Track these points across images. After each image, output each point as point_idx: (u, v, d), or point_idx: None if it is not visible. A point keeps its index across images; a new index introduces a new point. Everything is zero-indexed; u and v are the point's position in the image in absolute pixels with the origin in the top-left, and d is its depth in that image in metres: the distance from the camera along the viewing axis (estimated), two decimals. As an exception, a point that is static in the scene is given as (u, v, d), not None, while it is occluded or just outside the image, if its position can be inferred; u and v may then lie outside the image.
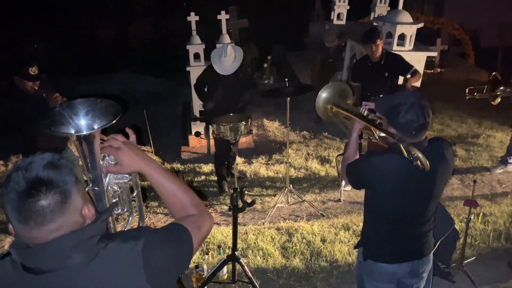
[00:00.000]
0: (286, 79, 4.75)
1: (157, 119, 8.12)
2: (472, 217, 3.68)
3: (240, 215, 4.95)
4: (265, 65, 11.35)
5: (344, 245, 4.15)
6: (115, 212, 1.68)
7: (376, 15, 8.60)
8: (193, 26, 7.12)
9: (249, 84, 5.50)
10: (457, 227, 3.68)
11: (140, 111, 6.85)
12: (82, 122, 1.51)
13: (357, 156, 2.55)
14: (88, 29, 16.70)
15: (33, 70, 4.15)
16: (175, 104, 9.49)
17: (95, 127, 1.48)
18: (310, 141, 7.27)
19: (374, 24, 7.45)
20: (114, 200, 1.66)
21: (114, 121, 1.47)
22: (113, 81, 11.82)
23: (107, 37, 16.40)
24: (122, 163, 1.45)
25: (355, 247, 2.64)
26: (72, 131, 1.48)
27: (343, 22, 8.73)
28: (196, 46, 7.13)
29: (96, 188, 1.60)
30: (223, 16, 7.16)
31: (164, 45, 13.93)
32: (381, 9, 8.63)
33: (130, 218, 1.77)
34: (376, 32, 5.07)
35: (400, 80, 5.38)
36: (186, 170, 6.37)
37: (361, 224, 4.48)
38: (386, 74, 5.09)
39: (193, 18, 7.06)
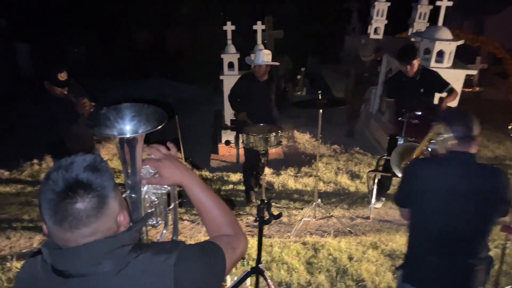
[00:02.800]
0: (319, 91, 4.69)
1: (189, 125, 8.17)
2: (508, 244, 3.51)
3: (266, 227, 4.88)
4: (299, 76, 11.34)
5: (372, 265, 4.03)
6: (149, 223, 1.66)
7: (414, 31, 8.45)
8: (229, 35, 7.16)
9: (281, 95, 5.47)
10: (492, 253, 3.52)
11: (172, 117, 6.92)
12: (127, 127, 1.49)
13: None
14: (126, 35, 17.07)
15: (62, 76, 4.24)
16: (207, 111, 9.55)
17: (140, 131, 1.46)
18: (341, 155, 7.16)
19: (412, 39, 7.32)
20: (149, 210, 1.64)
21: (158, 127, 1.44)
22: (147, 87, 12.04)
23: (144, 43, 16.74)
24: (163, 175, 1.44)
25: (397, 268, 2.58)
26: (116, 133, 1.47)
27: (380, 36, 8.62)
28: (230, 55, 7.16)
29: (133, 195, 1.57)
30: (259, 27, 7.18)
31: (199, 53, 14.09)
32: (419, 24, 8.48)
33: (164, 231, 1.74)
34: (412, 52, 4.94)
35: (437, 97, 5.24)
36: (214, 178, 6.37)
37: (390, 243, 4.38)
38: (422, 90, 4.96)
39: (229, 27, 7.11)
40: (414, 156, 2.76)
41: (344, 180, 6.14)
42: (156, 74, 12.83)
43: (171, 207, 1.74)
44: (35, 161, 6.77)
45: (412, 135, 4.60)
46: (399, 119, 4.78)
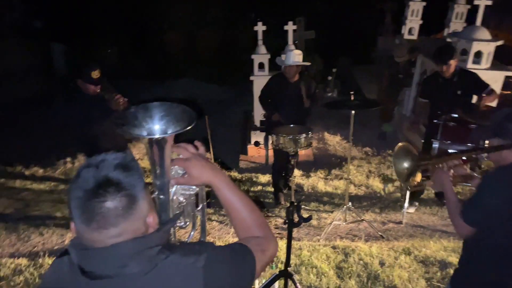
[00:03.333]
0: (352, 92, 4.59)
1: (218, 126, 8.16)
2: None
3: (295, 230, 4.81)
4: (330, 77, 11.18)
5: (404, 271, 3.89)
6: (177, 224, 1.62)
7: (450, 31, 8.20)
8: (260, 36, 7.12)
9: (311, 95, 5.39)
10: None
11: (201, 117, 6.93)
12: (156, 126, 1.46)
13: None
14: (158, 36, 17.27)
15: (95, 74, 4.28)
16: (236, 112, 9.53)
17: (169, 132, 1.43)
18: (373, 158, 7.01)
19: (448, 40, 7.10)
20: (178, 211, 1.60)
21: (188, 128, 1.40)
22: (177, 87, 12.11)
23: (175, 44, 16.87)
24: (191, 175, 1.41)
25: (449, 283, 2.37)
26: (145, 133, 1.43)
27: (415, 37, 8.41)
28: (261, 56, 7.12)
29: (161, 196, 1.54)
30: (290, 27, 7.11)
31: (230, 54, 14.11)
32: (456, 24, 8.22)
33: (192, 232, 1.70)
34: (449, 52, 4.77)
35: (475, 100, 5.05)
36: (243, 179, 6.33)
37: (424, 249, 4.23)
38: (459, 92, 4.79)
39: (260, 28, 7.07)
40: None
41: (376, 184, 6.00)
42: (187, 75, 12.90)
43: (199, 208, 1.71)
44: (68, 159, 6.90)
45: (449, 138, 4.43)
46: (434, 121, 4.62)
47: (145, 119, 1.49)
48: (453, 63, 4.68)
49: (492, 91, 4.68)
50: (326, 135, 8.16)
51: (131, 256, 1.11)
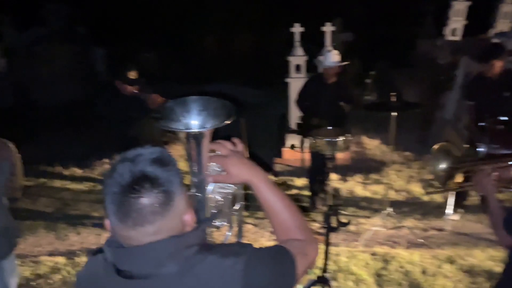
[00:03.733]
0: (392, 93, 4.44)
1: (253, 129, 8.11)
2: None
3: (332, 235, 4.68)
4: (368, 80, 10.96)
5: (448, 281, 3.70)
6: (213, 224, 1.56)
7: (497, 31, 7.86)
8: (297, 38, 7.02)
9: (349, 98, 5.26)
10: None
11: (237, 121, 6.92)
12: (194, 121, 1.42)
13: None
14: (194, 39, 17.47)
15: (132, 75, 4.35)
16: (272, 115, 9.45)
17: (207, 126, 1.39)
18: (413, 163, 6.77)
19: (495, 40, 6.80)
20: (215, 211, 1.54)
21: (227, 122, 1.36)
22: (213, 90, 12.15)
23: (211, 48, 17.01)
24: (230, 172, 1.35)
25: None
26: (182, 128, 1.39)
27: (458, 38, 8.10)
28: (298, 57, 7.02)
29: (198, 194, 1.49)
30: (328, 28, 6.99)
31: (266, 57, 14.07)
32: (503, 24, 7.88)
33: (228, 233, 1.63)
34: (494, 52, 4.56)
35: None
36: (278, 182, 6.24)
37: (469, 258, 4.02)
38: (507, 94, 4.55)
39: (297, 29, 6.97)
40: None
41: (417, 189, 5.78)
42: (224, 78, 12.94)
43: (236, 207, 1.64)
44: (106, 160, 7.00)
45: (496, 142, 4.21)
46: (480, 124, 4.41)
47: (183, 114, 1.44)
48: (497, 63, 4.46)
49: None
50: (364, 138, 7.97)
51: (168, 255, 1.06)
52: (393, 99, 4.37)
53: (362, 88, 10.69)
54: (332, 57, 4.96)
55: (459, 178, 4.55)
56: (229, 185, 1.56)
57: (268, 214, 1.35)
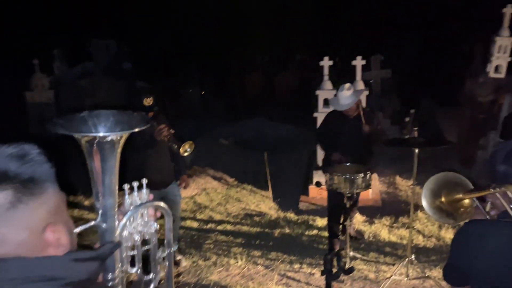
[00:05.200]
0: (416, 128, 4.09)
1: (282, 164, 7.88)
2: None
3: (347, 282, 4.26)
4: (407, 119, 10.46)
5: None
6: (125, 268, 1.27)
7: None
8: (325, 71, 6.80)
9: (374, 132, 4.89)
10: None
11: (267, 155, 6.79)
12: (100, 128, 1.23)
13: None
14: (233, 77, 17.68)
15: (148, 101, 4.22)
16: (301, 151, 9.17)
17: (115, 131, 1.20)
18: (449, 207, 6.23)
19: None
20: (115, 243, 1.26)
21: (136, 130, 1.21)
22: (250, 126, 12.01)
23: (252, 85, 17.07)
24: None
25: None
26: (85, 131, 1.18)
27: (502, 75, 7.57)
28: (326, 91, 6.77)
29: (103, 224, 1.25)
30: (358, 62, 6.73)
31: (300, 91, 13.90)
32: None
33: (152, 285, 1.33)
34: None
35: None
36: (299, 221, 5.89)
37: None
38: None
39: (326, 62, 6.76)
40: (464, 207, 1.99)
41: (449, 236, 5.24)
42: (261, 114, 12.81)
43: (163, 254, 1.36)
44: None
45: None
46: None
47: (96, 126, 1.24)
48: None
49: None
50: (398, 179, 7.49)
51: (9, 282, 0.78)
52: (416, 133, 4.01)
53: (401, 126, 10.21)
54: (343, 100, 4.63)
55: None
56: (153, 222, 1.32)
57: None
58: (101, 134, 1.18)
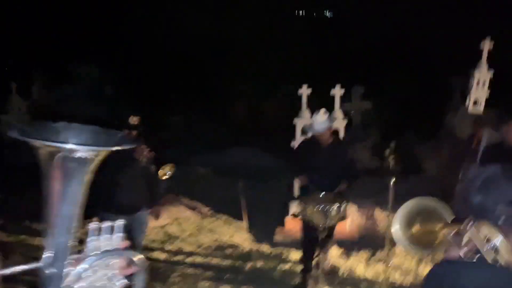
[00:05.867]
0: (392, 156, 3.96)
1: (260, 194, 7.67)
2: None
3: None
4: (387, 151, 10.39)
5: None
6: None
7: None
8: (304, 100, 6.68)
9: (348, 163, 4.74)
10: None
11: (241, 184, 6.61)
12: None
13: None
14: (220, 105, 17.57)
15: (134, 120, 4.09)
16: (280, 180, 8.96)
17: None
18: (428, 242, 6.04)
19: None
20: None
21: (114, 148, 1.03)
22: (233, 154, 11.77)
23: (238, 114, 16.93)
24: None
25: None
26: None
27: (481, 109, 7.56)
28: (305, 120, 6.62)
29: (49, 270, 0.99)
30: (337, 91, 6.62)
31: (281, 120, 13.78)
32: (530, 96, 7.32)
33: None
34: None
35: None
36: (272, 254, 5.64)
37: None
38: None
39: (304, 91, 6.65)
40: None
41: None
42: (242, 142, 12.60)
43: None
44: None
45: None
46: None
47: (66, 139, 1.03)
48: None
49: None
50: (377, 212, 7.28)
51: None
52: (389, 163, 3.87)
53: (381, 159, 10.13)
54: (318, 124, 4.52)
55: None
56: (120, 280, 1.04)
57: None
58: (68, 146, 0.94)
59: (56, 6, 17.42)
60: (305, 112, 6.67)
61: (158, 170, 4.05)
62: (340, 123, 6.50)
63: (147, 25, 18.02)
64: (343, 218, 4.12)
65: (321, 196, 4.26)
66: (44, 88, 15.25)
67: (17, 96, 13.30)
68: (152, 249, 5.73)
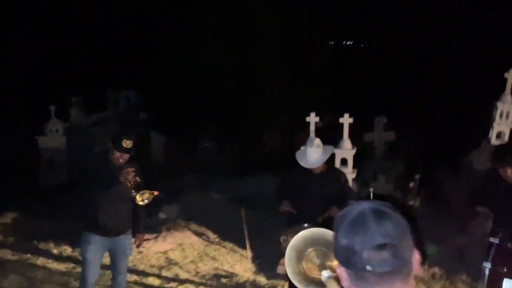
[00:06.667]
0: (371, 190, 3.75)
1: (266, 224, 7.51)
2: None
3: None
4: (411, 184, 9.97)
5: None
6: None
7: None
8: (312, 128, 6.55)
9: (343, 195, 4.52)
10: None
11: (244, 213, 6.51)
12: None
13: None
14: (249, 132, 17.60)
15: (127, 144, 4.00)
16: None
17: None
18: (436, 282, 5.66)
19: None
20: None
21: None
22: (252, 182, 11.69)
23: (265, 141, 16.89)
24: None
25: None
26: None
27: (504, 142, 7.14)
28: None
29: None
30: (346, 120, 6.44)
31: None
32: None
33: None
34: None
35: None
36: (267, 285, 5.45)
37: None
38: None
39: (312, 119, 6.52)
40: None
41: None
42: (259, 171, 12.49)
43: None
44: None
45: (504, 264, 3.27)
46: (490, 239, 3.52)
47: None
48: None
49: None
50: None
51: None
52: (372, 196, 3.67)
53: (405, 193, 9.71)
54: (309, 156, 4.33)
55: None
56: None
57: None
58: None
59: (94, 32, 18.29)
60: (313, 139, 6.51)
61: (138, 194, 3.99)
62: (347, 154, 6.29)
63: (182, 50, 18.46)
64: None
65: (305, 226, 4.06)
66: (82, 112, 15.83)
67: (55, 119, 13.85)
68: (148, 274, 5.68)
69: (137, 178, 4.08)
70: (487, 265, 3.44)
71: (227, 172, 13.78)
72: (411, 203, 9.75)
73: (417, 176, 9.97)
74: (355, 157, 6.64)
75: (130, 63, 19.08)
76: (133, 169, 4.06)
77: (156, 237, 6.88)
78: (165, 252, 6.46)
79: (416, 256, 1.19)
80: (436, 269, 6.07)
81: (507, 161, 3.70)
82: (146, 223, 7.07)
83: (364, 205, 1.20)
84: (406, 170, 10.02)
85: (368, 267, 1.13)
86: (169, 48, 19.55)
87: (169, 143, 16.39)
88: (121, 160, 4.03)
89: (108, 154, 4.05)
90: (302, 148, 4.70)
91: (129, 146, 4.02)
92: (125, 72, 18.61)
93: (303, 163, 4.39)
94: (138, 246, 4.56)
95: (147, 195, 3.94)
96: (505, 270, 3.29)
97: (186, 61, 19.37)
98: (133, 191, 3.94)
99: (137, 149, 4.05)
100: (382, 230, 1.13)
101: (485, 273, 3.45)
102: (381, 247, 1.12)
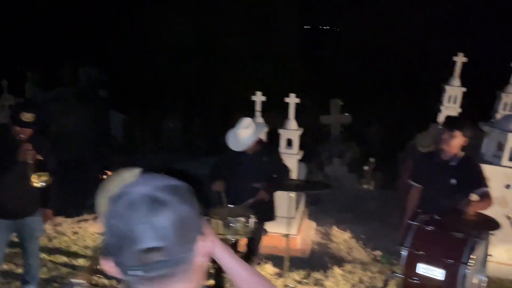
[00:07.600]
0: (287, 171, 3.63)
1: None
2: None
3: None
4: (366, 167, 9.99)
5: None
6: None
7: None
8: (257, 107, 6.34)
9: (279, 172, 4.39)
10: None
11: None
12: None
13: None
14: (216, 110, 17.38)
15: (26, 117, 3.64)
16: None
17: None
18: (376, 265, 5.63)
19: (483, 129, 5.87)
20: None
21: None
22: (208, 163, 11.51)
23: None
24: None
25: None
26: None
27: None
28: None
29: None
30: (291, 100, 6.24)
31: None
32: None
33: None
34: (460, 122, 3.82)
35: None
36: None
37: None
38: (453, 181, 3.63)
39: (258, 98, 6.32)
40: None
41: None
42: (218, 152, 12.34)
43: None
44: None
45: (421, 247, 3.20)
46: (409, 221, 3.45)
47: None
48: (458, 137, 3.61)
49: (485, 195, 3.46)
50: (334, 230, 6.88)
51: None
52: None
53: (359, 175, 9.72)
54: (238, 140, 4.17)
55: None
56: None
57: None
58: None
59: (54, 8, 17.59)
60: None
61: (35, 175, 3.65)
62: (292, 134, 6.13)
63: (146, 28, 18.02)
64: (250, 233, 3.77)
65: (231, 207, 3.94)
66: (37, 88, 15.25)
67: (7, 94, 13.28)
68: (80, 256, 5.46)
69: (38, 157, 3.73)
70: (405, 252, 3.37)
71: (192, 152, 13.61)
72: (365, 186, 9.79)
73: (371, 160, 10.00)
74: (309, 139, 6.52)
75: (92, 39, 18.46)
76: (31, 146, 3.70)
77: (96, 218, 6.65)
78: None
79: (201, 244, 1.02)
80: (378, 252, 6.07)
81: (457, 126, 3.63)
82: (89, 202, 6.90)
83: (141, 189, 0.98)
84: (361, 153, 10.02)
85: (139, 272, 0.95)
86: (133, 24, 19.03)
87: (131, 122, 16.03)
88: (21, 136, 3.68)
89: (7, 129, 3.72)
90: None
91: (30, 120, 3.65)
92: (86, 48, 18.00)
93: (231, 145, 4.22)
94: (45, 221, 4.21)
95: (45, 178, 3.61)
96: (421, 253, 3.23)
97: (152, 38, 18.91)
98: (30, 172, 3.61)
99: (41, 123, 3.73)
100: (151, 231, 0.93)
101: (403, 256, 3.39)
102: (150, 250, 0.93)
